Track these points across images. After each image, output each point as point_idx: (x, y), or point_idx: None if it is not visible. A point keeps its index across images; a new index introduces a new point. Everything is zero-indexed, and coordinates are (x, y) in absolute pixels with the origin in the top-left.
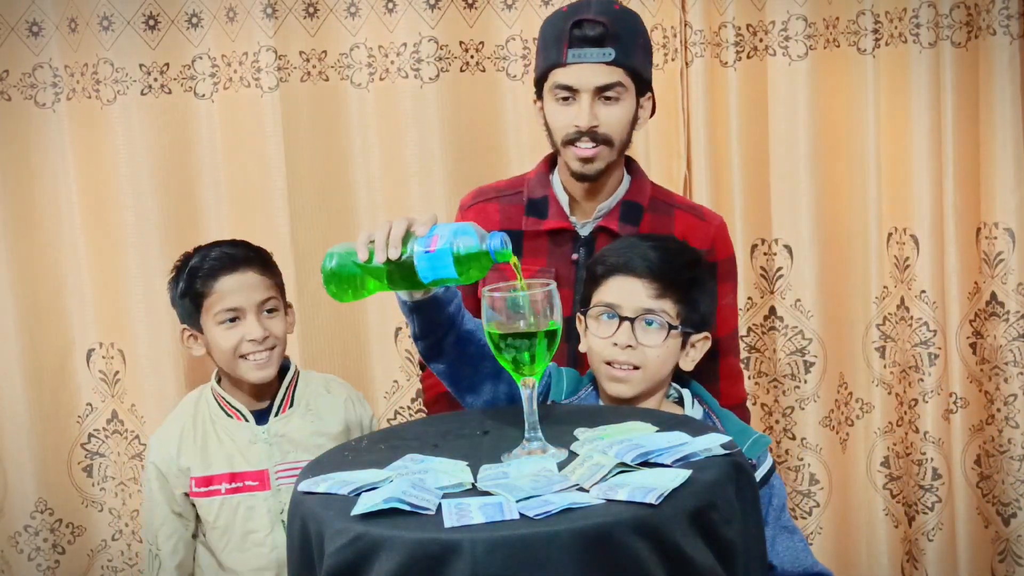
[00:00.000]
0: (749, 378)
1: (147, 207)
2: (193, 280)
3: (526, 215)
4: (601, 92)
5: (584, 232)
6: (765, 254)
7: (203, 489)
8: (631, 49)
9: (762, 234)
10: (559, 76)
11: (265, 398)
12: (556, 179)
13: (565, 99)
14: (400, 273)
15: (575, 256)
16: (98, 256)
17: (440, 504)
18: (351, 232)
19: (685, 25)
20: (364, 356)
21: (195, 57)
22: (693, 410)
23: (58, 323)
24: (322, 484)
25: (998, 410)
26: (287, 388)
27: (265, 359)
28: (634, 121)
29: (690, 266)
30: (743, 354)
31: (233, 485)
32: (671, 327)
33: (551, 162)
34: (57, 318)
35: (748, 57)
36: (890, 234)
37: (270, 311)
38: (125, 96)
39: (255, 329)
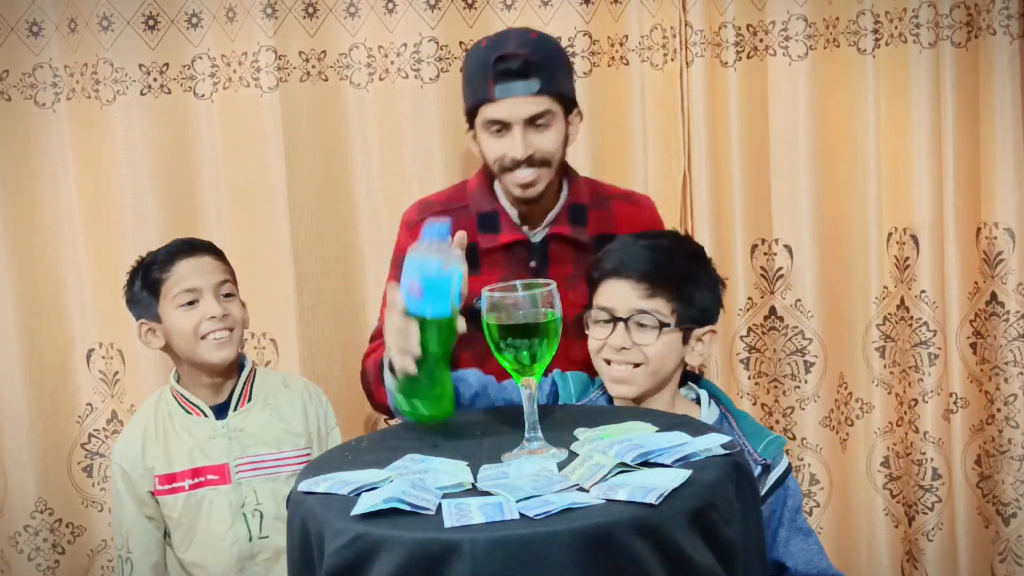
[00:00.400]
0: (749, 378)
1: (147, 207)
2: (150, 269)
3: (480, 231)
4: (532, 121)
5: (536, 239)
6: (765, 254)
7: (167, 487)
8: (554, 75)
9: (762, 234)
10: (489, 111)
11: (223, 393)
12: (500, 192)
13: (498, 131)
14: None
15: (532, 264)
16: (98, 256)
17: (440, 504)
18: (351, 231)
19: (685, 25)
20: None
21: (195, 57)
22: (710, 410)
23: (58, 323)
24: (322, 484)
25: (998, 410)
26: (244, 382)
27: (225, 338)
28: (566, 139)
29: (681, 263)
30: (743, 354)
31: (195, 480)
32: (663, 325)
33: (491, 174)
34: (57, 318)
35: (748, 57)
36: (890, 234)
37: (227, 295)
38: (125, 96)
39: (214, 307)
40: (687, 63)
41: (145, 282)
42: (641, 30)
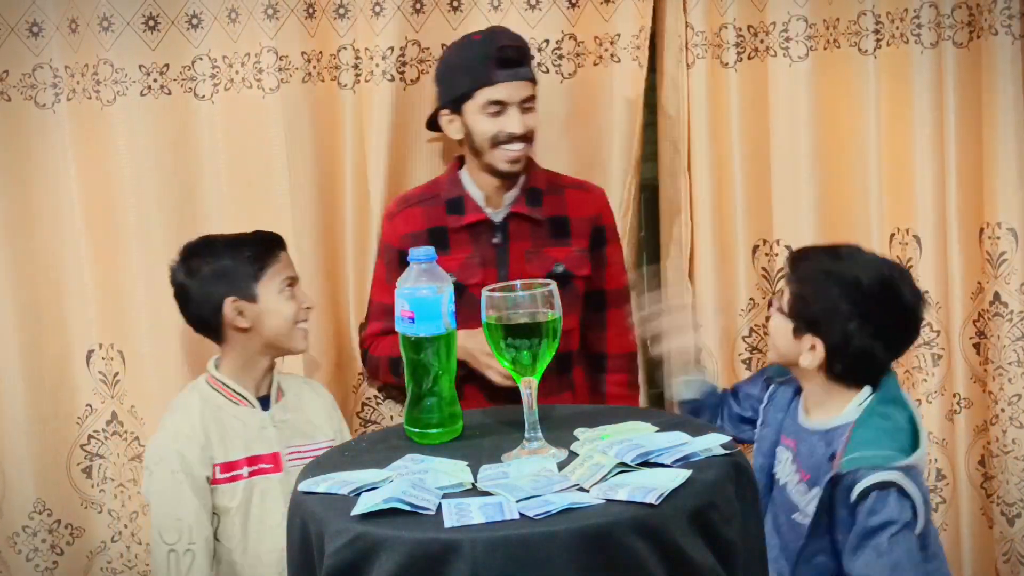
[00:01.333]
0: None
1: (148, 208)
2: (249, 251)
3: (447, 213)
4: (523, 103)
5: (497, 219)
6: (767, 255)
7: (227, 475)
8: (532, 67)
9: (764, 235)
10: (490, 93)
11: (264, 386)
12: (467, 179)
13: (495, 112)
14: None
15: (495, 240)
16: (98, 257)
17: (440, 504)
18: (350, 230)
19: (686, 26)
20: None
21: (195, 58)
22: (856, 409)
23: (58, 324)
24: (322, 484)
25: (1002, 410)
26: (275, 378)
27: (307, 329)
28: None
29: (815, 271)
30: (745, 354)
31: (252, 468)
32: (778, 308)
33: (460, 165)
34: (57, 319)
35: (749, 58)
36: (892, 235)
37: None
38: (125, 97)
39: (308, 297)
40: (688, 64)
41: (254, 257)
42: (632, 30)
